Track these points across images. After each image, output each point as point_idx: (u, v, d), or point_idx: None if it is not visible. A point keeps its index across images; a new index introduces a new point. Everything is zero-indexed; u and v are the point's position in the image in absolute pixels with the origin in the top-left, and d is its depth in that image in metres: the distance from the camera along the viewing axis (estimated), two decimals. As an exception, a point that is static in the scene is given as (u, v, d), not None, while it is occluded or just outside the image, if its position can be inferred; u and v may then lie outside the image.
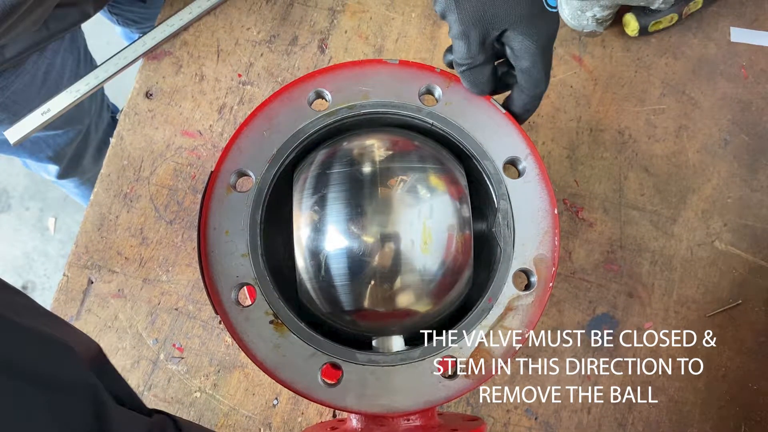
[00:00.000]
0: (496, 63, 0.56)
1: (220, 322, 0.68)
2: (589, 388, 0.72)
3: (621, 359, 0.72)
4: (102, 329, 0.71)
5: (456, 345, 0.55)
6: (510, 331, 0.56)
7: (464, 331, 0.55)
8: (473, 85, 0.56)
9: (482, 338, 0.55)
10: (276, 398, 0.70)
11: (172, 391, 0.70)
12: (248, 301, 0.55)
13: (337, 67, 0.60)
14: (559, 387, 0.72)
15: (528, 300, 0.56)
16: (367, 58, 0.77)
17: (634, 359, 0.72)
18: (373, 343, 0.57)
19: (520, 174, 0.58)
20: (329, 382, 0.54)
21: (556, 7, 0.53)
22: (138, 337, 0.71)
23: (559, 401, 0.72)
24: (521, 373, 0.72)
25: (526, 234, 0.56)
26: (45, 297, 1.73)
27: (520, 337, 0.55)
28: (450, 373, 0.55)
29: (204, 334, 0.71)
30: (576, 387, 0.72)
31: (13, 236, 1.78)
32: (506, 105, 0.58)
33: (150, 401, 0.69)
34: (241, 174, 0.56)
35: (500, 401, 0.71)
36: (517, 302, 0.56)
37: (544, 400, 0.71)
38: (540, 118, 0.77)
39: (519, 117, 0.57)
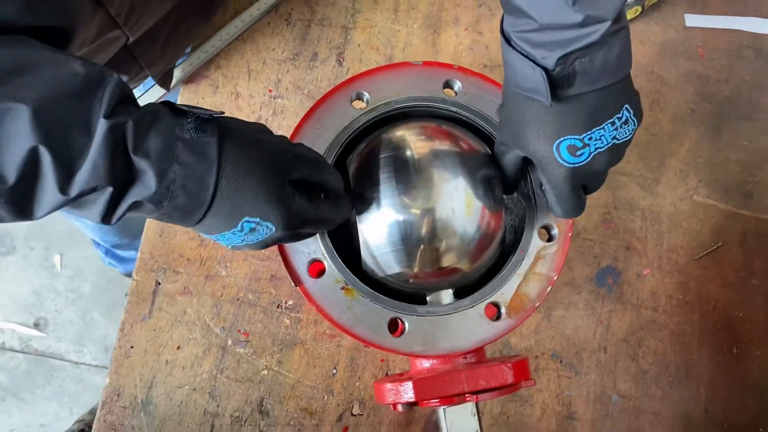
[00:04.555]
0: None
1: (288, 302, 0.78)
2: (603, 330, 0.83)
3: (627, 303, 0.84)
4: (173, 324, 0.80)
5: (498, 292, 0.66)
6: (541, 276, 0.67)
7: (504, 280, 0.66)
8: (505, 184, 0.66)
9: (519, 284, 0.66)
10: (335, 368, 0.80)
11: (242, 372, 0.79)
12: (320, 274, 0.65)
13: (371, 71, 0.70)
14: (577, 333, 0.83)
15: (552, 249, 0.67)
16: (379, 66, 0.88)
17: (638, 301, 0.84)
18: (428, 298, 0.67)
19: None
20: (396, 333, 0.64)
21: (572, 163, 0.55)
22: (206, 327, 0.80)
23: (579, 344, 0.83)
24: (544, 323, 0.83)
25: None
26: (58, 332, 1.78)
27: (549, 281, 0.67)
28: (495, 316, 0.66)
29: (265, 319, 0.80)
30: (592, 331, 0.83)
31: (21, 276, 1.83)
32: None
33: (223, 383, 0.78)
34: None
35: (529, 349, 0.82)
36: (544, 252, 0.67)
37: (566, 345, 0.82)
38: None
39: None
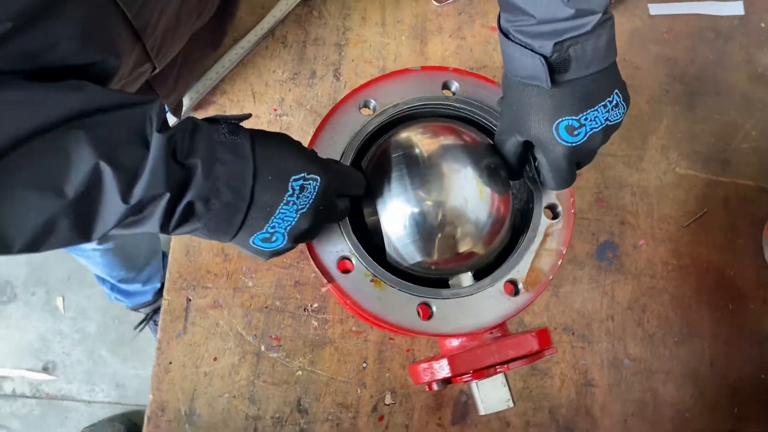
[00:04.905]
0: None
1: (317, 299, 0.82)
2: (609, 301, 0.89)
3: (627, 273, 0.90)
4: (208, 337, 0.84)
5: (514, 270, 0.71)
6: (551, 251, 0.73)
7: (518, 258, 0.71)
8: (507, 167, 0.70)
9: (532, 260, 0.72)
10: (364, 362, 0.85)
11: (278, 375, 0.83)
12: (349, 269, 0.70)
13: (375, 80, 0.76)
14: (585, 305, 0.89)
15: (558, 226, 0.73)
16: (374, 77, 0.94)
17: (637, 271, 0.91)
18: (450, 282, 0.72)
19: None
20: (424, 317, 0.70)
21: (570, 142, 0.60)
22: (239, 336, 0.84)
23: (588, 316, 0.89)
24: (553, 300, 0.89)
25: (547, 176, 0.74)
26: (68, 374, 1.79)
27: (559, 254, 0.72)
28: (514, 292, 0.71)
29: (294, 323, 0.85)
30: (598, 302, 0.89)
31: (25, 322, 1.84)
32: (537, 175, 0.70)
33: (261, 387, 0.82)
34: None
35: (542, 326, 0.87)
36: (551, 229, 0.73)
37: (576, 318, 0.88)
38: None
39: None
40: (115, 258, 1.39)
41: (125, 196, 0.48)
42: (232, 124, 0.56)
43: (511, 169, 0.70)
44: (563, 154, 0.61)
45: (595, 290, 0.90)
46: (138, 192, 0.48)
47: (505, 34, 0.60)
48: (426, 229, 0.69)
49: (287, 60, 0.94)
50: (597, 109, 0.60)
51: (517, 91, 0.61)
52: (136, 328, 1.75)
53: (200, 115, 0.91)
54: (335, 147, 0.73)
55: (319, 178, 0.58)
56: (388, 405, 0.84)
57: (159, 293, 1.68)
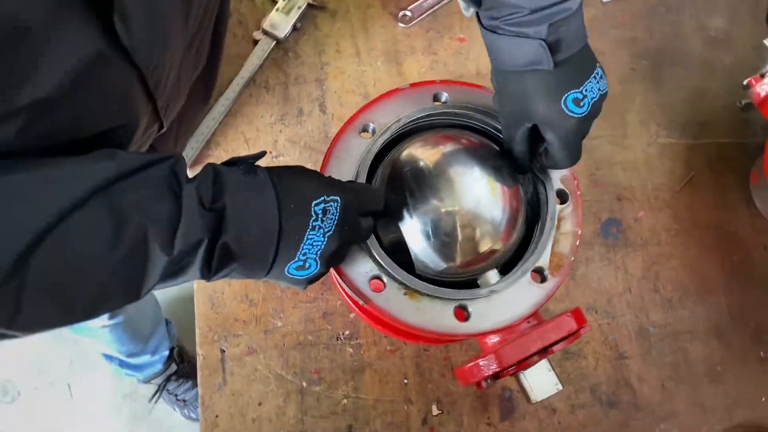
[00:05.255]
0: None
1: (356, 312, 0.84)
2: (623, 274, 0.93)
3: (634, 245, 0.94)
4: (249, 383, 0.84)
5: (537, 258, 0.74)
6: (567, 234, 0.76)
7: (539, 247, 0.74)
8: (514, 162, 0.73)
9: (552, 246, 0.75)
10: (405, 378, 0.86)
11: (324, 407, 0.84)
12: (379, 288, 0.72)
13: (369, 104, 0.79)
14: (601, 283, 0.92)
15: (569, 209, 0.76)
16: (359, 106, 0.97)
17: (643, 241, 0.94)
18: (478, 281, 0.75)
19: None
20: (461, 320, 0.72)
21: (579, 113, 0.64)
22: (279, 377, 0.85)
23: (607, 293, 0.92)
24: (572, 284, 0.92)
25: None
26: (87, 460, 1.75)
27: (575, 236, 0.75)
28: (540, 279, 0.74)
29: (330, 354, 0.86)
30: (613, 277, 0.92)
31: (36, 416, 1.80)
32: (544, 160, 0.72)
33: (311, 422, 0.83)
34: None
35: (566, 310, 0.90)
36: (563, 213, 0.76)
37: (596, 297, 0.91)
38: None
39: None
40: (125, 332, 1.38)
41: (166, 249, 0.50)
42: (249, 164, 0.59)
43: (520, 162, 0.73)
44: (575, 126, 0.65)
45: (608, 267, 0.93)
46: (178, 243, 0.50)
47: (491, 30, 0.64)
48: (447, 236, 0.71)
49: (272, 103, 0.97)
50: (591, 80, 0.64)
51: (516, 82, 0.65)
52: (150, 400, 1.72)
53: (197, 170, 0.93)
54: (345, 173, 0.75)
55: (339, 198, 0.60)
56: (436, 416, 0.85)
57: (168, 361, 1.67)
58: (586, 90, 0.63)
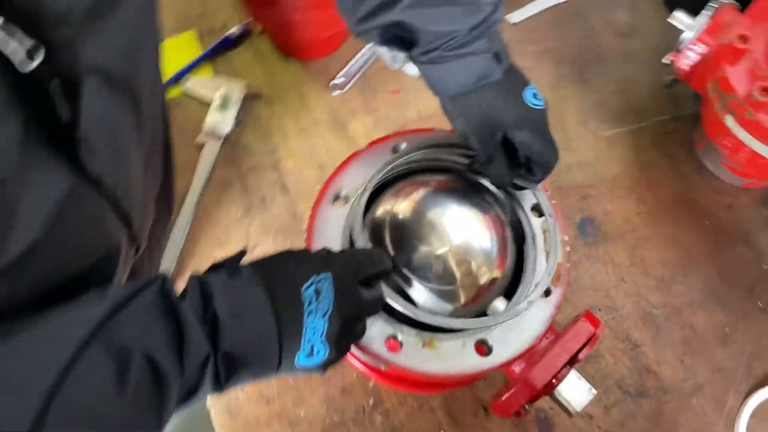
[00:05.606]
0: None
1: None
2: (611, 266, 0.95)
3: (612, 236, 0.97)
4: (288, 482, 0.82)
5: (537, 275, 0.76)
6: (556, 246, 0.78)
7: (534, 264, 0.76)
8: (496, 178, 0.72)
9: (546, 260, 0.77)
10: (441, 430, 0.85)
11: (370, 483, 0.82)
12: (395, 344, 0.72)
13: (334, 173, 0.80)
14: (594, 281, 0.94)
15: (550, 220, 0.79)
16: (318, 178, 0.99)
17: (619, 231, 0.98)
18: (487, 312, 0.76)
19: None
20: (483, 354, 0.72)
21: (541, 105, 0.68)
22: (317, 466, 0.83)
23: (602, 288, 0.94)
24: (568, 291, 0.93)
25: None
26: None
27: (563, 243, 0.78)
28: (545, 293, 0.75)
29: (359, 428, 0.84)
30: (604, 272, 0.95)
31: None
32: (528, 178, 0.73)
33: (361, 502, 0.81)
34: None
35: (570, 316, 0.92)
36: (545, 225, 0.78)
37: (594, 295, 0.93)
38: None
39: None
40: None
41: (176, 373, 0.48)
42: (231, 266, 0.57)
43: (502, 177, 0.72)
44: (544, 117, 0.68)
45: (595, 264, 0.96)
46: (186, 364, 0.49)
47: (433, 62, 0.66)
48: (446, 278, 0.72)
49: (234, 199, 0.97)
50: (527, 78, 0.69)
51: (473, 99, 0.66)
52: None
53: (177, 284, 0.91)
54: (334, 244, 0.76)
55: (329, 274, 0.58)
56: (481, 456, 0.84)
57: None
58: (532, 86, 0.67)
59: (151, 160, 0.71)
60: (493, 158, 0.70)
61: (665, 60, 0.93)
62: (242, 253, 0.60)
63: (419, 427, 0.85)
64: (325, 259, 0.62)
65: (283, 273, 0.58)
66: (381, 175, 0.79)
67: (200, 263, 0.93)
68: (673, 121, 1.07)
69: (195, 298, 0.52)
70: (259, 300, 0.55)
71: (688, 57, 0.90)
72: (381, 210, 0.77)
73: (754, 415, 0.87)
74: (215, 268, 0.57)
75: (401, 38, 0.67)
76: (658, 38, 1.11)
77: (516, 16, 1.13)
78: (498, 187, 0.75)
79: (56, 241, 0.47)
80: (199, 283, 0.54)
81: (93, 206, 0.52)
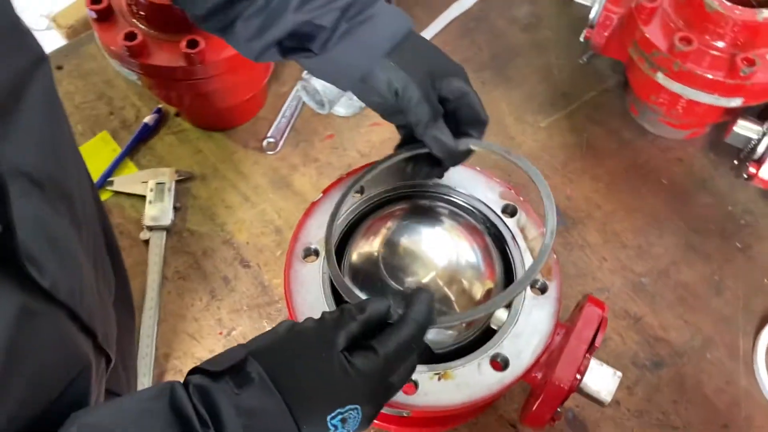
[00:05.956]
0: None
1: None
2: (588, 249, 0.95)
3: (580, 220, 0.97)
4: None
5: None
6: (536, 239, 0.76)
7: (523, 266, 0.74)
8: (444, 143, 0.65)
9: (533, 258, 0.75)
10: (475, 461, 0.81)
11: None
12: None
13: (297, 228, 0.76)
14: (578, 267, 0.93)
15: (523, 216, 0.77)
16: (276, 242, 0.95)
17: (584, 214, 0.98)
18: (492, 325, 0.72)
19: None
20: (501, 369, 0.69)
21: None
22: None
23: (589, 272, 0.93)
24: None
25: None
26: None
27: (542, 235, 0.76)
28: (541, 289, 0.73)
29: (394, 485, 0.79)
30: (585, 257, 0.95)
31: None
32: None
33: None
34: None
35: (569, 307, 0.90)
36: (521, 223, 0.77)
37: (584, 281, 0.93)
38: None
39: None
40: None
41: None
42: (235, 374, 0.47)
43: (447, 140, 0.66)
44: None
45: (573, 251, 0.95)
46: None
47: (345, 37, 0.62)
48: (441, 303, 0.69)
49: (195, 287, 0.91)
50: None
51: (407, 52, 0.63)
52: None
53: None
54: (317, 304, 0.71)
55: (358, 407, 0.49)
56: (524, 476, 0.80)
57: None
58: None
59: (99, 263, 0.65)
60: (439, 114, 0.64)
61: (581, 38, 0.95)
62: (241, 357, 0.49)
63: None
64: (354, 384, 0.50)
65: (305, 389, 0.48)
66: (348, 219, 0.76)
67: (179, 366, 0.86)
68: (602, 94, 1.09)
69: (200, 413, 0.44)
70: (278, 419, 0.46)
71: (603, 29, 0.92)
72: (356, 255, 0.74)
73: (769, 351, 0.87)
74: (217, 375, 0.47)
75: (300, 41, 0.64)
76: (564, 22, 1.14)
77: (425, 34, 1.14)
78: (445, 156, 0.67)
79: (19, 374, 0.41)
80: (200, 394, 0.45)
81: (51, 323, 0.46)
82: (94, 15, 0.87)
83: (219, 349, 0.87)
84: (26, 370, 0.42)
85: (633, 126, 1.05)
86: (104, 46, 0.89)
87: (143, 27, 0.88)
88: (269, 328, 0.53)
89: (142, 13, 0.87)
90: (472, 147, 0.69)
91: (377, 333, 0.52)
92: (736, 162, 0.95)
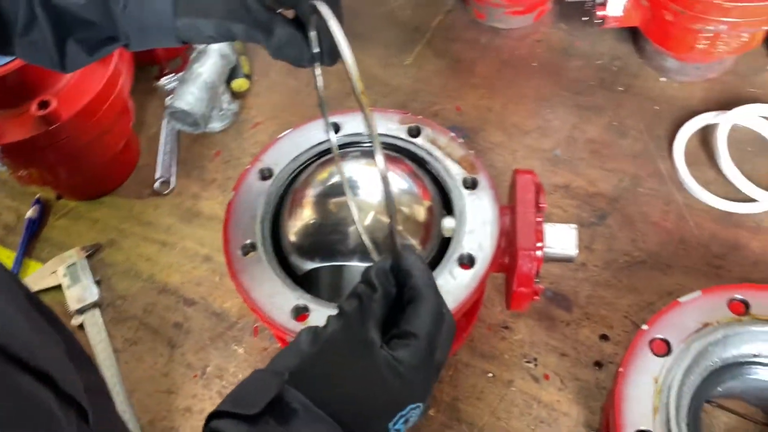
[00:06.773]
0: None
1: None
2: (498, 149, 0.98)
3: (482, 126, 1.00)
4: None
5: (457, 176, 0.75)
6: (449, 143, 0.77)
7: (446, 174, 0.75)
8: (291, 35, 0.57)
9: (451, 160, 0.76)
10: (488, 373, 0.81)
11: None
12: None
13: (225, 230, 0.73)
14: (493, 166, 0.96)
15: (428, 130, 0.79)
16: (214, 269, 0.91)
17: (483, 118, 1.01)
18: (444, 234, 0.73)
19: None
20: (470, 266, 0.69)
21: None
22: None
23: (498, 170, 0.96)
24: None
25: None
26: None
27: (453, 138, 0.77)
28: (472, 185, 0.74)
29: None
30: (496, 158, 0.97)
31: None
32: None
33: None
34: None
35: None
36: (430, 137, 0.78)
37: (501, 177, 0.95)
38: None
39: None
40: None
41: None
42: (276, 411, 0.41)
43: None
44: None
45: (486, 154, 0.98)
46: None
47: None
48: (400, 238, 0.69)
49: (151, 346, 0.86)
50: None
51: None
52: None
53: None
54: (280, 291, 0.69)
55: (421, 405, 0.45)
56: (532, 361, 0.81)
57: None
58: None
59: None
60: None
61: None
62: (269, 378, 0.43)
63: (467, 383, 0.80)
64: (382, 371, 0.44)
65: (362, 404, 0.43)
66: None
67: (169, 425, 0.81)
68: (447, 15, 1.14)
69: None
70: None
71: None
72: (293, 234, 0.73)
73: (689, 163, 0.93)
74: (253, 418, 0.40)
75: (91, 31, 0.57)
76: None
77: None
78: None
79: None
80: None
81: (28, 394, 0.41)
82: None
83: (201, 392, 0.83)
84: None
85: (486, 30, 1.10)
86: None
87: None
88: (277, 346, 0.51)
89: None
90: None
91: (398, 312, 0.46)
92: (586, 18, 1.01)
